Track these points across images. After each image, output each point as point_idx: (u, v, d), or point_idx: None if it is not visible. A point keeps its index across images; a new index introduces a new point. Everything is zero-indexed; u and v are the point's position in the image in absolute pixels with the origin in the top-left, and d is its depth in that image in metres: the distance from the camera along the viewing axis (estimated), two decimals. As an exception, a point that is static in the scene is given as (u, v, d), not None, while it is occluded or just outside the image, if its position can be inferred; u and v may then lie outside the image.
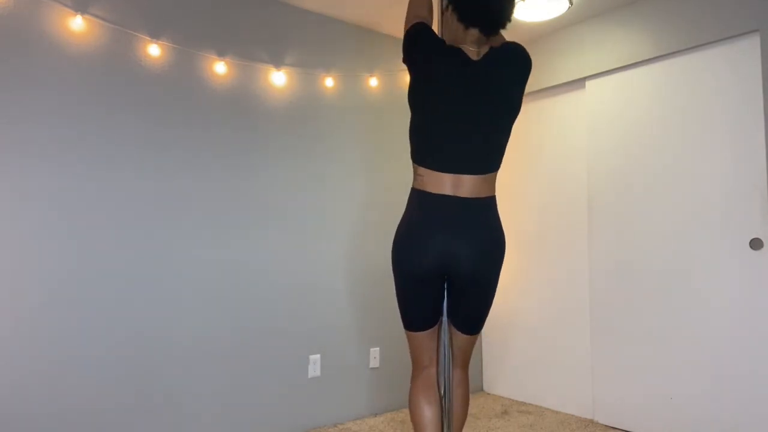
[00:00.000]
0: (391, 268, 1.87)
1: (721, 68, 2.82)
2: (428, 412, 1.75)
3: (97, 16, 2.53)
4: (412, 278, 1.64)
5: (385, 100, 3.55)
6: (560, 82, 3.53)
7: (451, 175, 1.55)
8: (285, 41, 3.13)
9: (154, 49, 2.67)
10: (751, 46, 2.71)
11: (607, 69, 3.26)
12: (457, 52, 1.54)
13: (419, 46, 1.58)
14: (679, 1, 2.96)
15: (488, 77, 1.54)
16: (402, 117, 3.62)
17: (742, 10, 2.71)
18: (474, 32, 1.53)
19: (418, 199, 1.61)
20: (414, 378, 1.82)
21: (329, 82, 3.28)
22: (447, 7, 1.62)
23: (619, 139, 3.22)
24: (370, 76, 3.47)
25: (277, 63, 3.10)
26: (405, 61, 1.66)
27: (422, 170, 1.59)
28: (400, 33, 3.57)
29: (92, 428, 2.43)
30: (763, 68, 2.64)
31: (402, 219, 1.67)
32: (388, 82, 3.57)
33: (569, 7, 2.82)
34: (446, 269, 1.62)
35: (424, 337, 1.77)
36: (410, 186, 3.63)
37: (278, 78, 3.09)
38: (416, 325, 1.75)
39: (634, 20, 3.15)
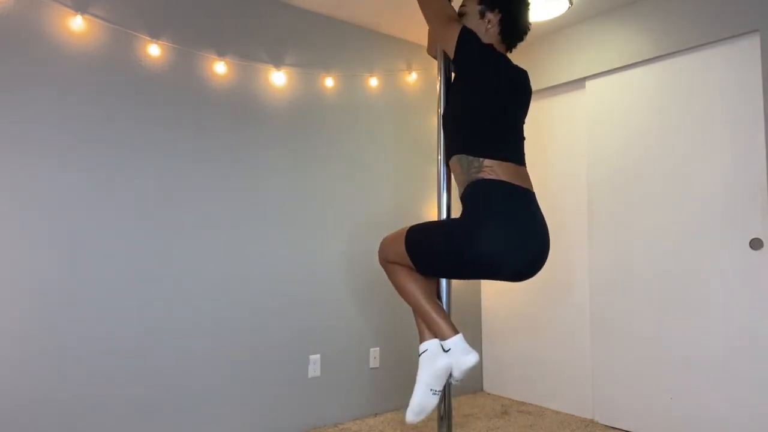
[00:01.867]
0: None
1: (721, 68, 2.82)
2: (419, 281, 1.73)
3: (97, 16, 2.53)
4: (495, 272, 1.59)
5: (385, 100, 3.55)
6: (560, 82, 3.53)
7: (515, 165, 1.66)
8: (285, 41, 3.13)
9: (154, 49, 2.67)
10: (751, 46, 2.71)
11: (607, 69, 3.27)
12: (505, 57, 1.71)
13: (481, 48, 1.68)
14: (679, 1, 2.96)
15: (524, 81, 1.75)
16: (401, 117, 3.62)
17: (742, 10, 2.71)
18: (503, 45, 1.77)
19: (500, 190, 1.60)
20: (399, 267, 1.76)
21: (329, 82, 3.28)
22: (486, 19, 1.74)
23: (619, 139, 3.22)
24: (370, 76, 3.47)
25: (277, 63, 3.10)
26: (460, 58, 1.68)
27: (489, 161, 1.64)
28: (400, 33, 3.57)
29: (92, 428, 2.43)
30: (763, 68, 2.64)
31: (492, 209, 1.58)
32: (388, 82, 3.57)
33: (569, 7, 2.82)
34: (524, 271, 1.64)
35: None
36: (410, 186, 3.64)
37: (278, 78, 3.09)
38: (429, 274, 1.73)
39: (634, 20, 3.15)
